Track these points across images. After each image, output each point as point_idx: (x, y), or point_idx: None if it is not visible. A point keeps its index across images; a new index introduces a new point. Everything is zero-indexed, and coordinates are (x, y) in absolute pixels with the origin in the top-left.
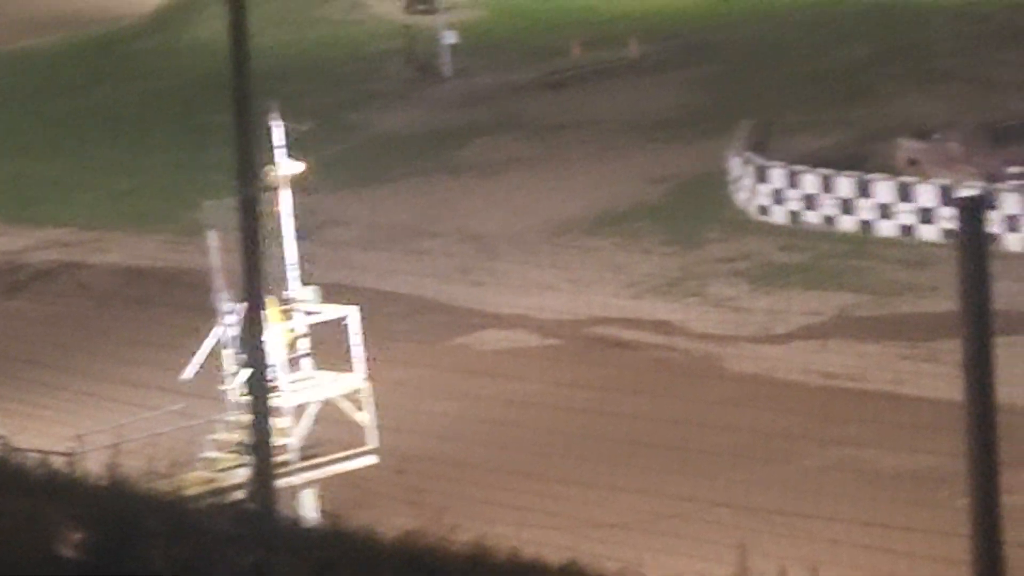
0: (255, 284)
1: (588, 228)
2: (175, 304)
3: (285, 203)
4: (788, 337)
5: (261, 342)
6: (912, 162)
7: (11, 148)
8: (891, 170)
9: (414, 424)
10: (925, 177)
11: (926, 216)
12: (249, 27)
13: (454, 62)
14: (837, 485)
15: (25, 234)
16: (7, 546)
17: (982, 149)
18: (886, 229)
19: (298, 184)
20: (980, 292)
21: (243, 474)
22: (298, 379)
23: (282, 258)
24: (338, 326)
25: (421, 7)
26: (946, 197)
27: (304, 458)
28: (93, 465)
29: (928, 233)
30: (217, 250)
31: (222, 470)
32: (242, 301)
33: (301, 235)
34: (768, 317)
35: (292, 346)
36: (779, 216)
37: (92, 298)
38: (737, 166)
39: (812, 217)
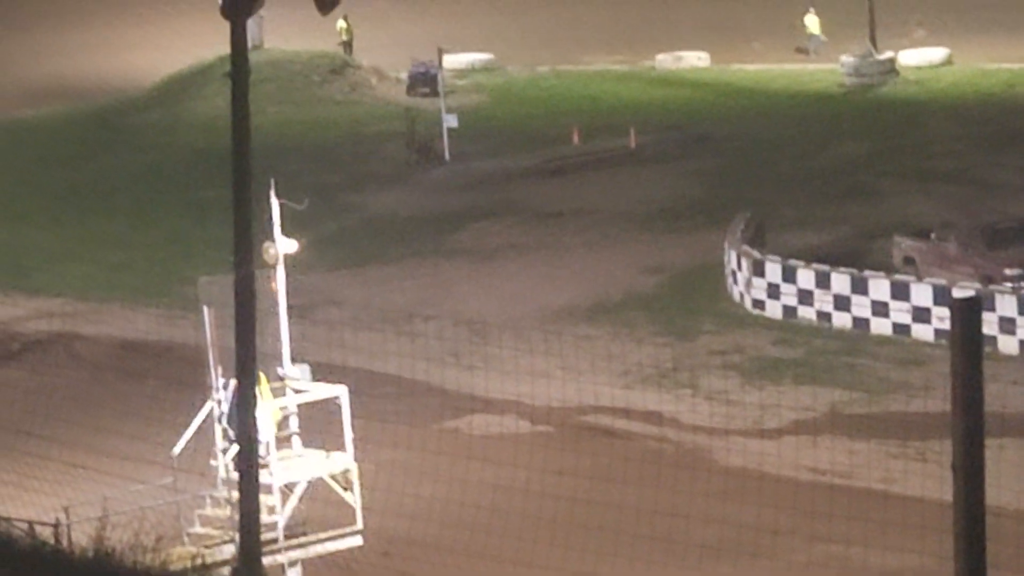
0: (248, 361)
1: (582, 316)
2: (167, 378)
3: (280, 280)
4: (779, 432)
5: (252, 419)
6: (908, 261)
7: (7, 217)
8: (887, 268)
9: (401, 506)
10: (920, 276)
11: (921, 315)
12: (250, 104)
13: (453, 146)
14: None
15: (19, 303)
16: None
17: (979, 250)
18: (880, 327)
19: (292, 262)
20: (973, 393)
21: (230, 551)
22: (287, 457)
23: (275, 335)
24: (328, 405)
25: (423, 90)
26: (941, 297)
27: (290, 536)
28: (80, 537)
29: (922, 333)
30: (211, 326)
31: (209, 546)
32: (234, 377)
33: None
34: (759, 411)
35: (282, 424)
36: (774, 311)
37: (85, 369)
38: (733, 259)
39: (807, 312)
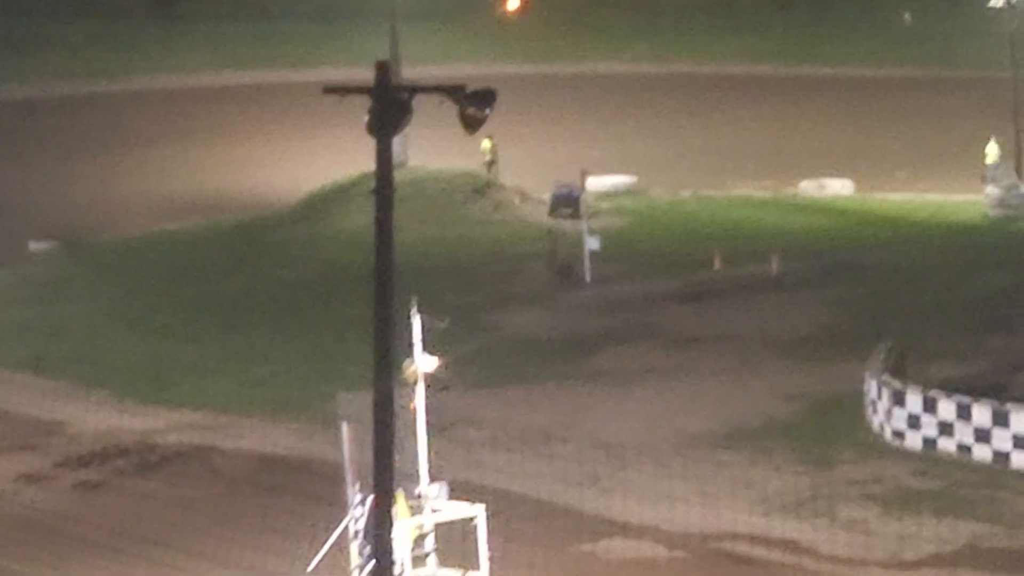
0: (386, 478)
1: (720, 442)
2: (305, 493)
3: (420, 398)
4: (917, 564)
5: (388, 536)
6: None
7: (149, 330)
8: None
9: None
10: None
11: None
12: (393, 222)
13: (595, 268)
14: None
15: (160, 415)
16: None
17: None
18: (1022, 461)
19: (431, 380)
20: None
21: None
22: None
23: (413, 453)
24: (464, 524)
25: (565, 211)
26: None
27: None
28: None
29: None
30: (349, 442)
31: None
32: (371, 494)
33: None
34: (898, 543)
35: (418, 542)
36: (914, 441)
37: (222, 483)
38: (873, 389)
39: (947, 444)
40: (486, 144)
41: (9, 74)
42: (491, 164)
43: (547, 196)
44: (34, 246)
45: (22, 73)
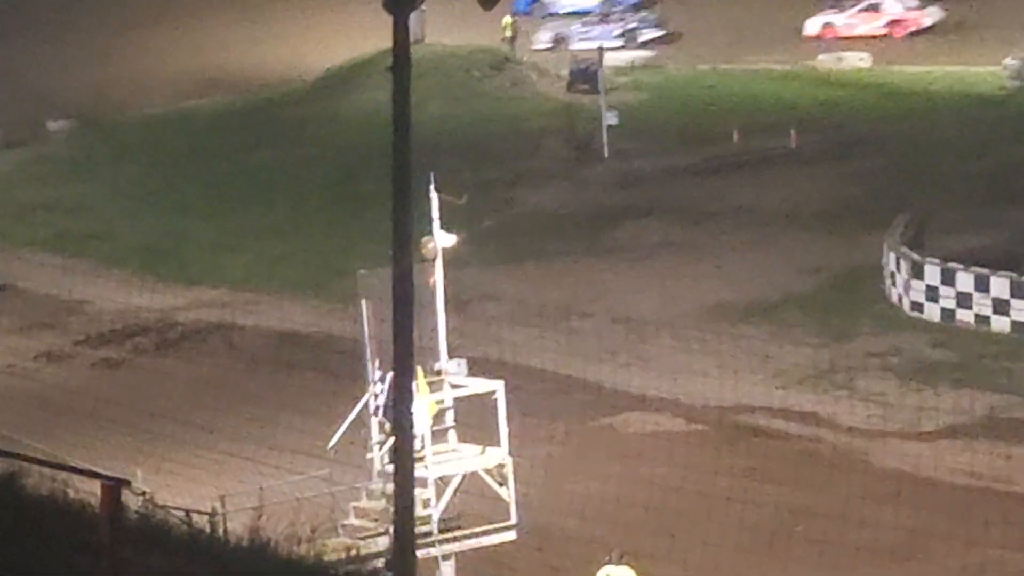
0: (405, 354)
1: (739, 316)
2: (324, 370)
3: (439, 274)
4: (935, 435)
5: (408, 412)
6: None
7: (169, 207)
8: None
9: (555, 502)
10: None
11: None
12: (411, 98)
13: (613, 143)
14: None
15: (179, 293)
16: None
17: None
18: None
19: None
20: None
21: (384, 543)
22: (442, 451)
23: (433, 329)
24: (484, 400)
25: (583, 87)
26: None
27: (445, 530)
28: (235, 526)
29: None
30: (368, 319)
31: (363, 538)
32: (391, 371)
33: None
34: (916, 414)
35: (438, 418)
36: (932, 313)
37: (242, 360)
38: (891, 261)
39: (965, 316)
40: (507, 20)
41: None
42: (512, 40)
43: (565, 72)
44: (52, 125)
45: None
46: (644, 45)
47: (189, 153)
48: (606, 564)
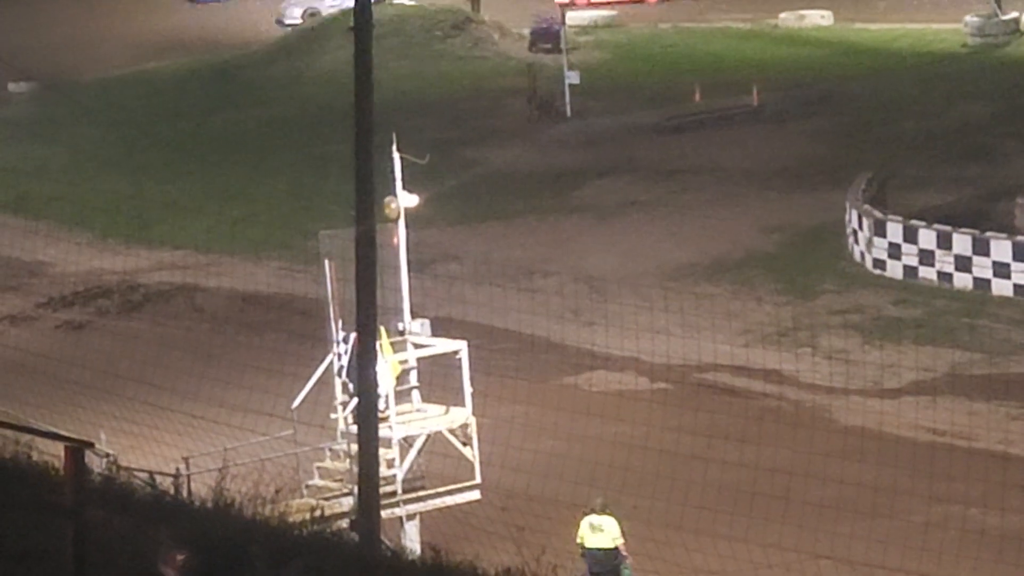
0: (368, 315)
1: (702, 274)
2: (288, 331)
3: (401, 235)
4: (898, 392)
5: (372, 372)
6: None
7: (130, 169)
8: (1009, 229)
9: (519, 461)
10: None
11: None
12: (373, 59)
13: (574, 103)
14: (941, 543)
15: (141, 255)
16: (111, 564)
17: None
18: (1002, 288)
19: (412, 217)
20: None
21: (348, 503)
22: (406, 411)
23: (396, 290)
24: (447, 360)
25: (545, 46)
26: None
27: (409, 490)
28: (199, 487)
29: None
30: (331, 279)
31: (328, 498)
32: (355, 331)
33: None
34: (879, 371)
35: (401, 378)
36: (894, 271)
37: (206, 321)
38: (854, 219)
39: (928, 273)
40: None
41: None
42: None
43: (526, 31)
44: (13, 87)
45: None
46: None
47: (150, 115)
48: (589, 513)
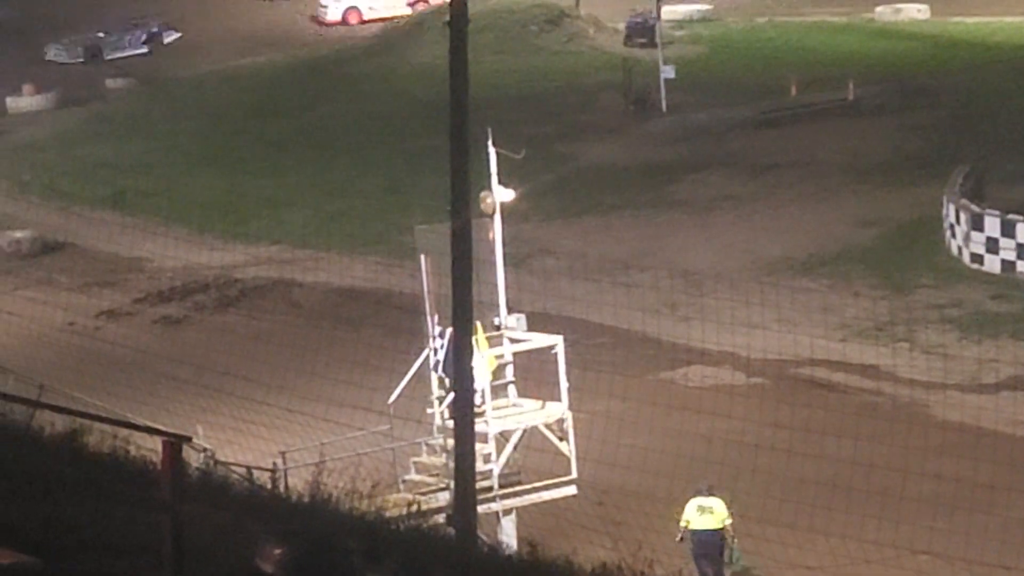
0: (464, 309)
1: (798, 268)
2: (384, 326)
3: (497, 229)
4: (996, 387)
5: (468, 367)
6: None
7: (227, 165)
8: None
9: (615, 456)
10: None
11: None
12: (468, 54)
13: (670, 97)
14: None
15: (238, 250)
16: (209, 559)
17: None
18: None
19: (508, 212)
20: None
21: (445, 498)
22: (502, 406)
23: (492, 284)
24: (543, 355)
25: (640, 40)
26: None
27: (505, 485)
28: (296, 482)
29: None
30: (427, 274)
31: (424, 493)
32: (451, 326)
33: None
34: (977, 366)
35: (497, 373)
36: (992, 265)
37: (302, 316)
38: (951, 213)
39: None
40: None
41: None
42: None
43: (622, 25)
44: (111, 83)
45: None
46: None
47: (246, 111)
48: (696, 496)
